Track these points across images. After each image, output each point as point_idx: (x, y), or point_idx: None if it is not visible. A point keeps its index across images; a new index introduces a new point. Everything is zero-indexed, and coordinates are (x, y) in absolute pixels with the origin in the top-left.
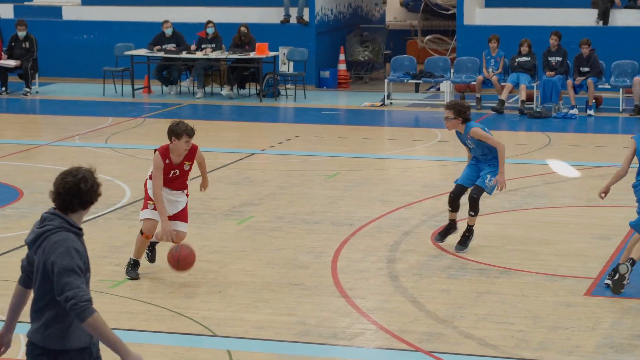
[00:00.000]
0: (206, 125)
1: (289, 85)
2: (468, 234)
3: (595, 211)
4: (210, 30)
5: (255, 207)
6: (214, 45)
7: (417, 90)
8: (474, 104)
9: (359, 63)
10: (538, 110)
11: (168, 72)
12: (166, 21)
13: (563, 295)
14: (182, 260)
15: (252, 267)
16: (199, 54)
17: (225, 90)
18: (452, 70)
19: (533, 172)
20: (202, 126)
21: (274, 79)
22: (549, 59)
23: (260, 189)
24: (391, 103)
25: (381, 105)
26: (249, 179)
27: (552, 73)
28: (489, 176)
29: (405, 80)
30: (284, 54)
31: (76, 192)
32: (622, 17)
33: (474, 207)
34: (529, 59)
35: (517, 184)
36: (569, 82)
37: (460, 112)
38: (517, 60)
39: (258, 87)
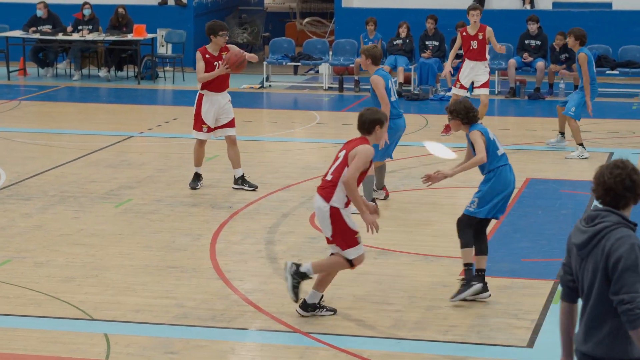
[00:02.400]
0: (83, 107)
1: (167, 68)
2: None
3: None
4: (87, 11)
5: (133, 190)
6: (90, 27)
7: (295, 73)
8: (353, 86)
9: (237, 45)
10: (415, 92)
11: (44, 54)
12: (40, 2)
13: (439, 276)
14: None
15: (129, 250)
16: (75, 36)
17: (103, 72)
18: (330, 53)
19: (410, 154)
20: (79, 109)
21: (152, 61)
22: (426, 42)
23: (139, 171)
24: (270, 85)
25: (260, 87)
26: (127, 162)
27: (428, 54)
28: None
29: (284, 63)
30: (162, 36)
31: (630, 185)
32: (497, 1)
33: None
34: (407, 41)
35: (395, 166)
36: (446, 64)
37: (458, 112)
38: (394, 42)
39: (136, 70)
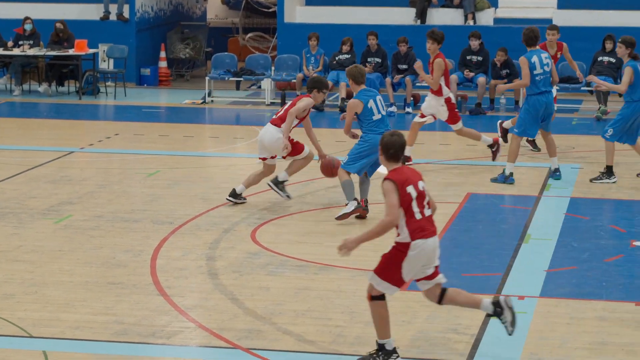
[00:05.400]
0: (24, 123)
1: (109, 83)
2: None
3: None
4: (28, 26)
5: (73, 206)
6: (31, 42)
7: (238, 88)
8: None
9: (180, 60)
10: None
11: None
12: None
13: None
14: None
15: (69, 267)
16: (16, 51)
17: (43, 88)
18: (272, 68)
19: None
20: (19, 124)
21: (94, 76)
22: (369, 59)
23: (79, 187)
24: (212, 101)
25: (202, 103)
26: (68, 178)
27: (369, 69)
28: None
29: (227, 78)
30: (104, 51)
31: None
32: (438, 16)
33: None
34: (349, 56)
35: (335, 181)
36: (388, 80)
37: None
38: (337, 58)
39: (77, 85)
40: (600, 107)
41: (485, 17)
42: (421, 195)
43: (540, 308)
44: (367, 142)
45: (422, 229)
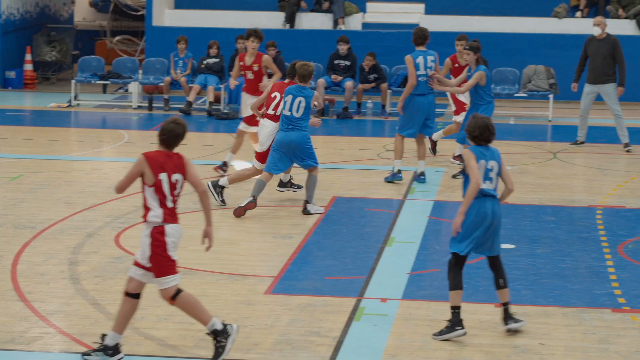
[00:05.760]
0: None
1: None
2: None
3: (277, 210)
4: None
5: None
6: None
7: (104, 92)
8: (162, 105)
9: (46, 63)
10: (225, 111)
11: None
12: None
13: (244, 294)
14: None
15: None
16: None
17: None
18: (140, 72)
19: (217, 173)
20: None
21: None
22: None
23: None
24: (78, 104)
25: (68, 106)
26: None
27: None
28: None
29: (93, 81)
30: None
31: None
32: (308, 20)
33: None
34: (217, 60)
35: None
36: None
37: None
38: (205, 62)
39: None
40: None
41: (354, 22)
42: (173, 186)
43: (402, 310)
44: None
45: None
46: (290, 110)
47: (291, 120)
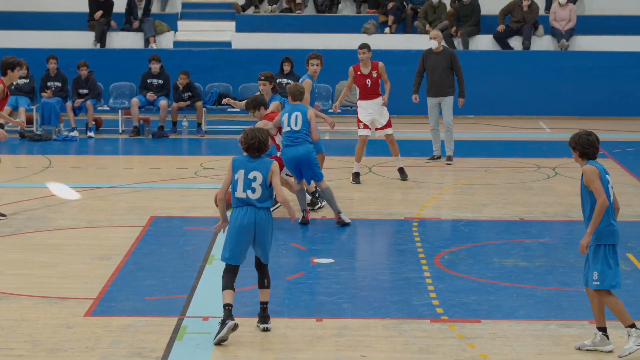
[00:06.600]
0: None
1: None
2: None
3: (95, 232)
4: None
5: None
6: None
7: None
8: None
9: None
10: (38, 133)
11: None
12: None
13: (64, 317)
14: None
15: None
16: None
17: None
18: None
19: (33, 195)
20: None
21: None
22: (48, 84)
23: None
24: None
25: None
26: None
27: (48, 94)
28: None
29: None
30: None
31: None
32: (118, 40)
33: None
34: (27, 81)
35: (17, 208)
36: (69, 104)
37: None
38: (14, 83)
39: None
40: None
41: (165, 41)
42: None
43: None
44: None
45: None
46: (289, 125)
47: (293, 134)
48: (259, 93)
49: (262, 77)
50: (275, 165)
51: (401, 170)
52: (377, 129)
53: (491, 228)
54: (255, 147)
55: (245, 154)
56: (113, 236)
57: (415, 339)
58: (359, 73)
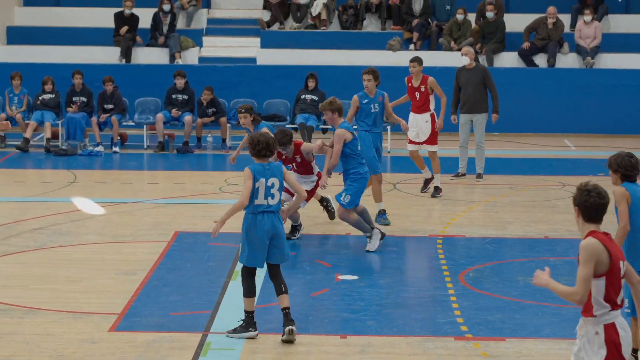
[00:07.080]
0: None
1: None
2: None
3: (120, 247)
4: None
5: None
6: None
7: None
8: None
9: None
10: (64, 147)
11: None
12: None
13: (88, 332)
14: None
15: None
16: None
17: None
18: None
19: (59, 210)
20: None
21: None
22: (74, 98)
23: None
24: None
25: None
26: None
27: (73, 109)
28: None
29: None
30: None
31: None
32: (144, 55)
33: None
34: (53, 96)
35: (43, 222)
36: (94, 119)
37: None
38: (40, 97)
39: None
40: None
41: (191, 56)
42: None
43: (249, 344)
44: (363, 175)
45: None
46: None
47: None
48: (264, 129)
49: (243, 110)
50: (282, 166)
51: (436, 188)
52: (421, 142)
53: (516, 246)
54: (264, 148)
55: (257, 161)
56: (138, 251)
57: (440, 357)
58: (410, 85)
